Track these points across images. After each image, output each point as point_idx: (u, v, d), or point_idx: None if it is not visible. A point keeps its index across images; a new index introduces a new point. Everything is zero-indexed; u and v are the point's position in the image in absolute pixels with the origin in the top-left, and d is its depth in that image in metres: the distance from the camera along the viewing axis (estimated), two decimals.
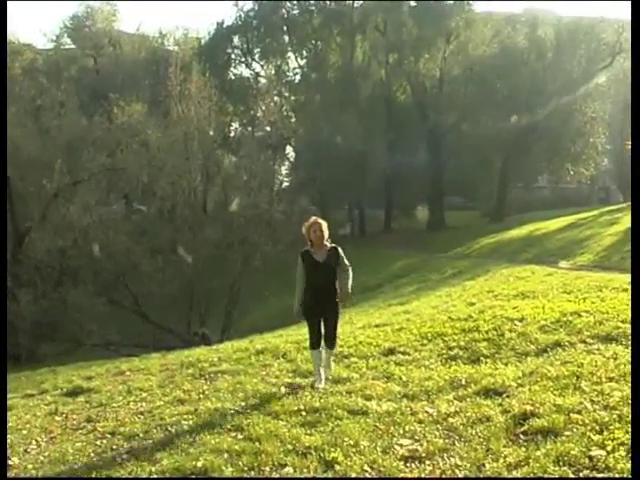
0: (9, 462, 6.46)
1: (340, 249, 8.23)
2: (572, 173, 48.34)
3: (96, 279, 29.00)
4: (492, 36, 48.17)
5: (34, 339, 27.24)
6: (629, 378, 6.24)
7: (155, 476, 5.64)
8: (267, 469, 5.50)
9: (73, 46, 54.84)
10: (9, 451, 6.84)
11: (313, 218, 8.33)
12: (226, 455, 5.87)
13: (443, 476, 5.12)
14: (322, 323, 8.23)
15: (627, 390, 6.05)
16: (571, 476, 4.74)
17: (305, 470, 5.36)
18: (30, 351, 26.64)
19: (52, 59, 52.40)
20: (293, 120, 50.01)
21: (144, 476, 5.67)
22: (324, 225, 8.20)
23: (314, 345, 8.25)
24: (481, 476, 5.01)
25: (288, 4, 51.87)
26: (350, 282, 8.18)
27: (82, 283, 29.12)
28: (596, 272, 17.57)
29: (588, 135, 45.73)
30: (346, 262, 8.22)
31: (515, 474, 4.85)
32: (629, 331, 7.89)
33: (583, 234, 27.93)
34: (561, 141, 44.73)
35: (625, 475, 4.61)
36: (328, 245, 8.19)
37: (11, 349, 25.46)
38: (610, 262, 20.03)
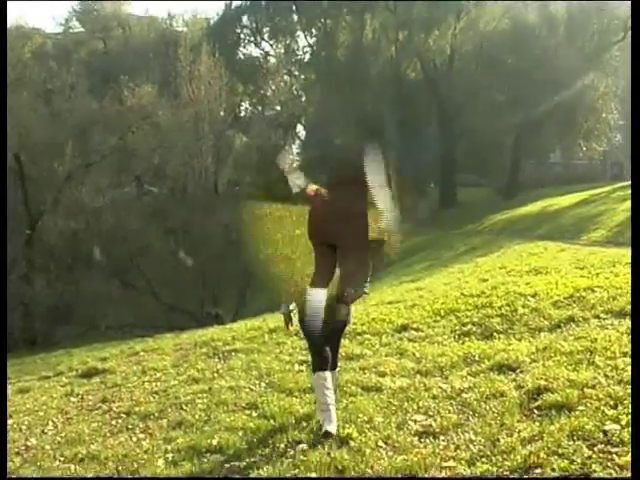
0: (27, 443, 6.54)
1: None
2: (584, 149, 48.01)
3: (109, 261, 29.14)
4: (503, 12, 47.73)
5: (49, 322, 27.46)
6: None
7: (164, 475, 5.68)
8: (282, 446, 5.52)
9: (82, 29, 54.87)
10: (27, 432, 6.92)
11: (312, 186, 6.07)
12: (241, 433, 5.91)
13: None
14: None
15: None
16: (585, 450, 4.73)
17: (319, 447, 5.37)
18: (45, 334, 26.85)
19: (61, 43, 52.44)
20: (303, 99, 49.93)
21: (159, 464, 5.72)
22: None
23: (321, 364, 5.71)
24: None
25: None
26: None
27: (95, 266, 29.29)
28: (609, 248, 17.50)
29: (600, 111, 45.31)
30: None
31: (529, 448, 4.84)
32: None
33: (596, 210, 27.80)
34: (573, 117, 44.36)
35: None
36: None
37: (26, 333, 25.82)
38: (623, 238, 19.89)
